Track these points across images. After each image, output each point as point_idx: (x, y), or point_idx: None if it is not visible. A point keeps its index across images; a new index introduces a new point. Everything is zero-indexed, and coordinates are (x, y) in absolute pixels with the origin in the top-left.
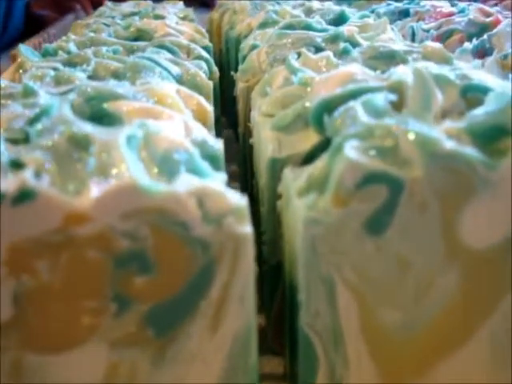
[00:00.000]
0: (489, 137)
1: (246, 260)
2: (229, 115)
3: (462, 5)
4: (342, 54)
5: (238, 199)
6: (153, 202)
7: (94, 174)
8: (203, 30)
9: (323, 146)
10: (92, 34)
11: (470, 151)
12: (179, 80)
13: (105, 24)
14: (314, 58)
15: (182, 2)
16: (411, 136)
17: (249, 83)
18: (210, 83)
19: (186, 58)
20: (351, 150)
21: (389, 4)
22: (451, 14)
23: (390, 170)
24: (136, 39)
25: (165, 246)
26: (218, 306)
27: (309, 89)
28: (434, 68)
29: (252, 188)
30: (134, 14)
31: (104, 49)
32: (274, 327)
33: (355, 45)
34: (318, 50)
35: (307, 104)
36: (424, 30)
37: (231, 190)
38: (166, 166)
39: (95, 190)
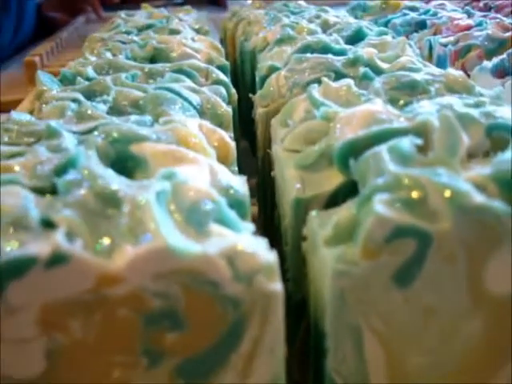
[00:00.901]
0: None
1: (276, 315)
2: (244, 125)
3: (479, 18)
4: (362, 80)
5: (267, 256)
6: (184, 264)
7: (125, 234)
8: (219, 46)
9: (348, 186)
10: (109, 55)
11: (498, 205)
12: (200, 110)
13: (121, 41)
14: (335, 87)
15: (195, 11)
16: (440, 189)
17: (268, 108)
18: (230, 112)
19: (204, 82)
20: (380, 205)
21: (405, 14)
22: (469, 28)
23: (418, 223)
24: (153, 58)
25: (196, 303)
26: (249, 358)
27: (331, 124)
28: (458, 105)
29: (273, 217)
30: (148, 26)
31: (123, 75)
32: (297, 359)
33: (375, 69)
34: (338, 74)
35: (331, 142)
36: (442, 45)
37: (260, 245)
38: (194, 218)
39: (127, 252)
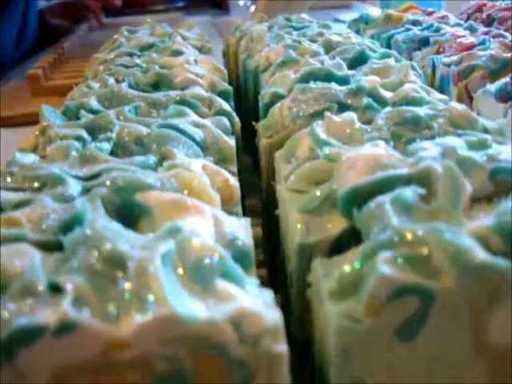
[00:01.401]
0: None
1: (281, 375)
2: (248, 140)
3: (482, 36)
4: (365, 111)
5: (272, 317)
6: (191, 329)
7: (132, 300)
8: (221, 68)
9: (351, 230)
10: (112, 81)
11: (501, 262)
12: (203, 145)
13: (123, 65)
14: (338, 122)
15: (197, 27)
16: (443, 246)
17: (272, 139)
18: (233, 146)
19: (207, 112)
20: (383, 264)
21: (407, 29)
22: (472, 47)
23: (421, 281)
24: (156, 84)
25: (203, 365)
26: None
27: (335, 165)
28: (461, 147)
29: (277, 253)
30: (150, 46)
31: (126, 109)
32: None
33: (378, 98)
34: (341, 105)
35: (335, 186)
36: (445, 64)
37: (265, 301)
38: (200, 275)
39: (134, 319)
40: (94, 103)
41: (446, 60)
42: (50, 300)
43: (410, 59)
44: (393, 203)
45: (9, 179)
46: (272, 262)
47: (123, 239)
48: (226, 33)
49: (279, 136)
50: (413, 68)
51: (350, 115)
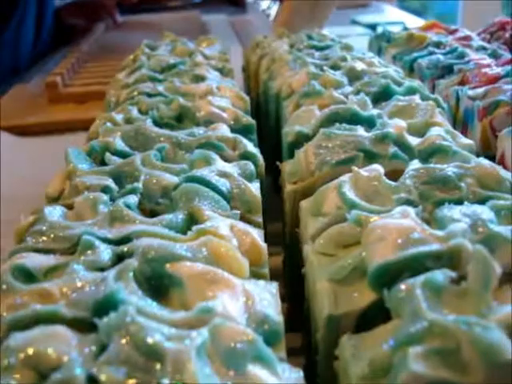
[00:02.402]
0: None
1: None
2: (268, 160)
3: (507, 66)
4: (392, 159)
5: None
6: None
7: None
8: (244, 97)
9: (380, 303)
10: (135, 112)
11: None
12: (229, 196)
13: (146, 93)
14: (365, 177)
15: (217, 43)
16: (473, 341)
17: (297, 186)
18: (259, 197)
19: (232, 154)
20: (413, 360)
21: (430, 52)
22: (497, 78)
23: (450, 377)
24: (179, 117)
25: None
26: None
27: (364, 231)
28: (489, 218)
29: (302, 308)
30: (171, 67)
31: (152, 154)
32: None
33: (403, 146)
34: (368, 153)
35: (363, 255)
36: (469, 98)
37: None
38: (232, 360)
39: None
40: (118, 143)
41: (470, 93)
42: None
43: (433, 86)
44: (423, 287)
45: (38, 239)
46: (292, 296)
47: (158, 326)
48: (242, 33)
49: (305, 183)
50: (437, 104)
51: (377, 169)
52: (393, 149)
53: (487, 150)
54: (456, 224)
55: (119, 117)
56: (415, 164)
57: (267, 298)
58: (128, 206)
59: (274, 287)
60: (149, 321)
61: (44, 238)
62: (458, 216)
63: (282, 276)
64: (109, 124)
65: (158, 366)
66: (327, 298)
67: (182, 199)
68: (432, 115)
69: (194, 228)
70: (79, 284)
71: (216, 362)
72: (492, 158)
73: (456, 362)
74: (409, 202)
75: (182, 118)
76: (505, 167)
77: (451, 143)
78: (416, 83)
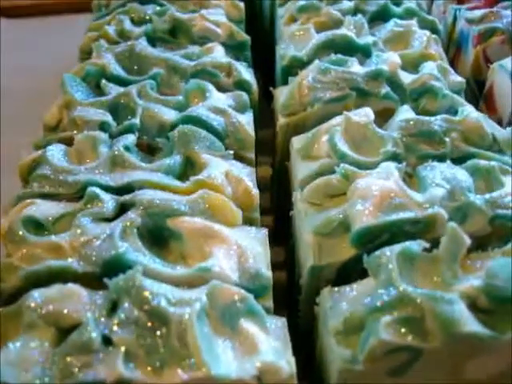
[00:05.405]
0: (502, 304)
1: None
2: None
3: None
4: (384, 99)
5: (289, 370)
6: None
7: (173, 355)
8: (239, 5)
9: (359, 258)
10: (128, 23)
11: (483, 330)
12: (223, 134)
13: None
14: (355, 123)
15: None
16: (436, 314)
17: (290, 119)
18: (253, 136)
19: (227, 82)
20: (384, 331)
21: None
22: (497, 0)
23: (413, 343)
24: (173, 30)
25: None
26: None
27: (349, 187)
28: (467, 185)
29: (285, 222)
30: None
31: (148, 84)
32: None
33: (396, 84)
34: (360, 92)
35: (348, 213)
36: (466, 20)
37: (284, 352)
38: (227, 318)
39: (175, 376)
40: (113, 67)
41: (468, 15)
42: (104, 355)
43: (431, 1)
44: (398, 257)
45: (42, 183)
46: (278, 210)
47: (163, 291)
48: None
49: (297, 117)
50: (433, 27)
51: (368, 114)
52: (385, 89)
53: (478, 76)
54: (435, 189)
55: (111, 29)
56: (405, 112)
57: (258, 249)
58: (127, 148)
59: (263, 234)
60: (154, 283)
61: (49, 183)
62: (439, 180)
63: (270, 188)
64: (102, 41)
65: (164, 329)
66: (312, 250)
67: (179, 141)
68: (427, 47)
69: (192, 179)
70: (87, 238)
71: (213, 321)
72: (482, 84)
73: (419, 330)
74: (394, 156)
75: (176, 32)
76: (492, 99)
77: (442, 84)
78: (414, 4)
